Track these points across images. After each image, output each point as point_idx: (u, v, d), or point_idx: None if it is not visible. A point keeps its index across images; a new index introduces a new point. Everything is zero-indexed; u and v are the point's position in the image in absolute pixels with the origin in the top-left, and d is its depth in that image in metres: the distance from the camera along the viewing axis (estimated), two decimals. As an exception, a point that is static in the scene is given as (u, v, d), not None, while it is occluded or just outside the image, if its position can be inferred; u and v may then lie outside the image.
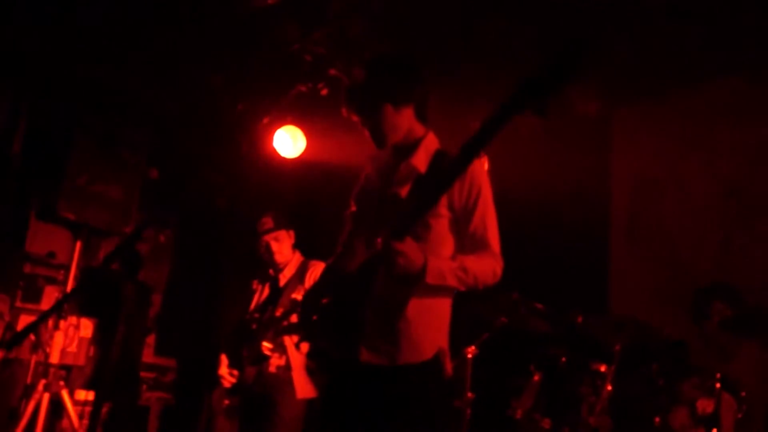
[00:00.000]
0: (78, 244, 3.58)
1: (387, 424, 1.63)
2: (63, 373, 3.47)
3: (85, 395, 3.52)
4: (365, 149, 1.87)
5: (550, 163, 3.64)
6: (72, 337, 3.65)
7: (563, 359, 2.75)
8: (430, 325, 1.72)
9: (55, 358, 3.35)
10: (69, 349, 3.61)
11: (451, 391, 2.59)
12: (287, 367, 2.84)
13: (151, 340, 4.37)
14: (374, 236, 1.63)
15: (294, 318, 2.80)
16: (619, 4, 2.96)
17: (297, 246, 3.19)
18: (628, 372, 2.63)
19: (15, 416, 3.25)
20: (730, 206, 3.43)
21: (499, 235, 1.76)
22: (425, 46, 3.27)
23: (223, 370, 2.96)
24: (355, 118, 1.81)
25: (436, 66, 3.21)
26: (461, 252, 1.74)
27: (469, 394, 2.78)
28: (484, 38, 3.28)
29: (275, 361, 2.87)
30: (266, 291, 3.16)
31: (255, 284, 3.24)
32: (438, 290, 1.72)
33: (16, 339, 3.17)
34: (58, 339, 3.39)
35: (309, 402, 2.83)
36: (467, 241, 1.73)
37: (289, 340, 2.83)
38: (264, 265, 3.16)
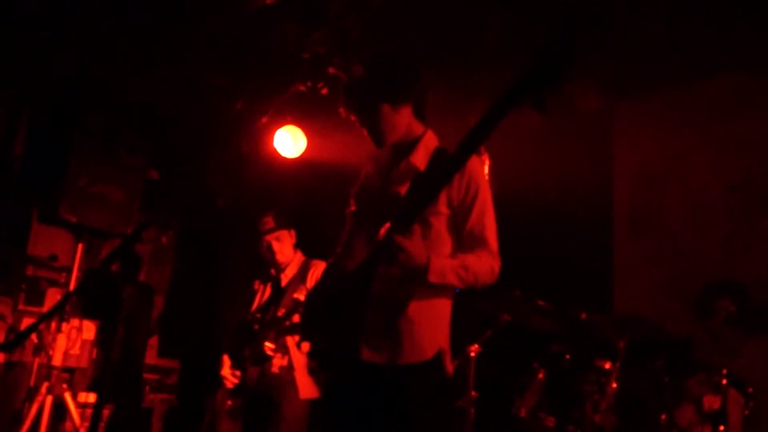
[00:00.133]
0: (80, 247, 3.57)
1: (387, 423, 1.63)
2: (66, 375, 3.47)
3: (86, 397, 3.52)
4: (366, 149, 1.86)
5: (552, 159, 3.62)
6: (75, 340, 3.65)
7: (567, 357, 2.73)
8: (431, 324, 1.71)
9: (57, 361, 3.35)
10: (72, 352, 3.61)
11: (452, 391, 2.58)
12: (290, 367, 2.83)
13: (153, 341, 4.37)
14: (375, 235, 1.62)
15: (296, 318, 2.80)
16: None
17: (298, 246, 3.18)
18: (633, 369, 2.61)
19: (18, 419, 3.25)
20: (735, 201, 3.40)
21: (497, 233, 1.75)
22: (426, 45, 3.26)
23: (226, 370, 2.95)
24: (353, 118, 1.80)
25: (437, 65, 3.20)
26: (459, 251, 1.73)
27: (473, 393, 2.76)
28: (485, 37, 3.26)
29: (278, 362, 2.86)
30: (268, 291, 3.15)
31: (257, 284, 3.23)
32: (439, 290, 1.71)
33: (15, 341, 3.17)
34: (61, 341, 3.39)
35: (312, 402, 2.82)
36: (465, 239, 1.72)
37: (292, 341, 2.82)
38: (266, 265, 3.16)
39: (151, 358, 4.33)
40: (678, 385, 2.55)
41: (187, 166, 4.04)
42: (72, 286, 3.57)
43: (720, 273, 3.12)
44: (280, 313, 2.90)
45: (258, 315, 3.07)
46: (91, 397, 3.55)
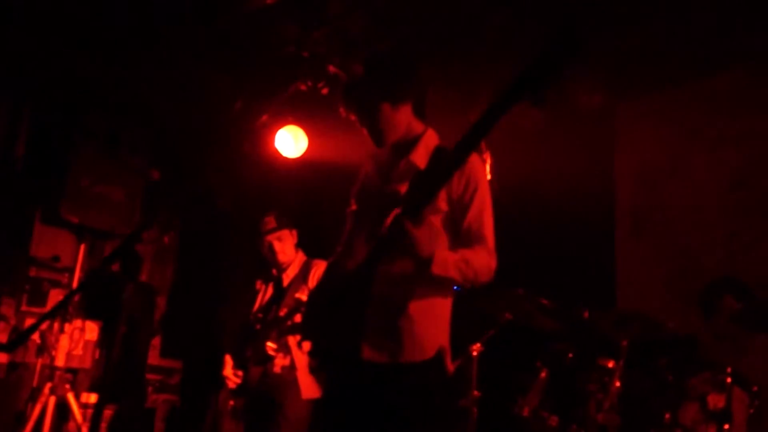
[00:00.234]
0: (82, 247, 3.58)
1: (388, 422, 1.62)
2: (69, 376, 3.48)
3: (88, 397, 3.53)
4: (367, 148, 1.86)
5: (554, 158, 3.61)
6: (77, 340, 3.66)
7: (570, 355, 2.72)
8: (431, 323, 1.70)
9: (60, 362, 3.36)
10: (74, 352, 3.62)
11: (453, 390, 2.57)
12: (292, 367, 2.83)
13: (156, 342, 4.37)
14: (375, 233, 1.62)
15: (298, 318, 2.79)
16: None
17: (300, 245, 3.18)
18: (637, 368, 2.60)
19: (21, 419, 3.26)
20: (737, 198, 3.39)
21: (494, 232, 1.74)
22: (427, 44, 3.25)
23: (228, 370, 2.95)
24: (353, 118, 1.80)
25: (438, 64, 3.19)
26: (456, 247, 1.72)
27: (475, 392, 2.75)
28: (486, 35, 3.25)
29: (280, 362, 2.86)
30: (270, 291, 3.15)
31: (258, 284, 3.23)
32: (439, 288, 1.71)
33: (17, 341, 3.18)
34: (64, 342, 3.40)
35: (314, 402, 2.82)
36: (463, 236, 1.72)
37: (293, 340, 2.82)
38: (267, 265, 3.16)
39: (153, 358, 4.33)
40: (682, 383, 2.53)
41: (188, 167, 4.04)
42: (75, 286, 3.58)
43: (724, 270, 3.10)
44: (282, 312, 2.90)
45: (260, 315, 3.07)
46: (94, 398, 3.55)
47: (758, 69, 3.34)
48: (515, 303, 2.74)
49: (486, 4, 3.13)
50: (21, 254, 3.77)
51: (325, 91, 3.58)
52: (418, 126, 1.81)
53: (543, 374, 2.72)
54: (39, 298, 3.78)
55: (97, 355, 3.81)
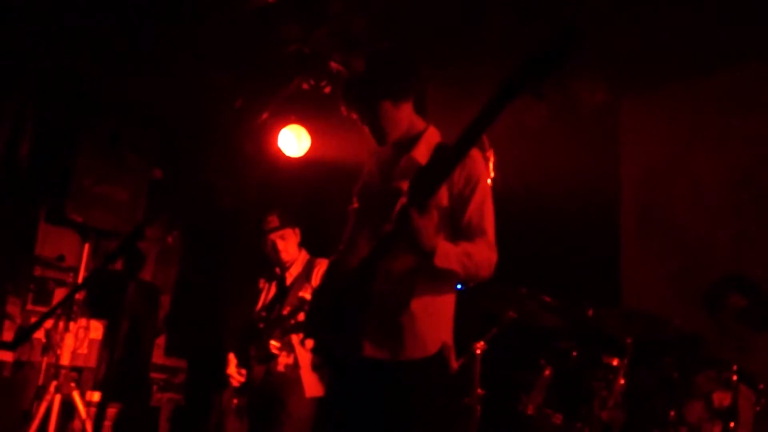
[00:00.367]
0: (86, 247, 3.59)
1: (390, 420, 1.62)
2: (74, 374, 3.49)
3: (92, 395, 3.55)
4: (369, 146, 1.86)
5: (558, 155, 3.59)
6: (82, 339, 3.67)
7: (574, 353, 2.71)
8: (433, 320, 1.70)
9: (66, 360, 3.37)
10: (80, 351, 3.64)
11: (456, 387, 2.56)
12: (295, 365, 2.83)
13: (160, 341, 4.39)
14: (377, 231, 1.61)
15: (301, 316, 2.79)
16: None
17: (303, 244, 3.18)
18: (641, 365, 2.58)
19: (27, 418, 3.28)
20: (743, 196, 3.36)
21: (494, 227, 1.73)
22: (427, 43, 3.25)
23: (232, 369, 2.96)
24: (354, 116, 1.80)
25: (439, 63, 3.18)
26: (456, 242, 1.71)
27: (479, 390, 2.74)
28: (487, 34, 3.24)
29: (283, 360, 2.86)
30: (273, 289, 3.15)
31: (262, 283, 3.23)
32: (441, 285, 1.70)
33: (21, 338, 3.19)
34: (69, 341, 3.41)
35: (317, 400, 2.82)
36: (463, 230, 1.71)
37: (297, 339, 2.82)
38: (270, 264, 3.16)
39: (158, 357, 4.35)
40: (687, 381, 2.51)
41: (190, 166, 4.05)
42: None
43: (729, 268, 3.08)
44: (285, 311, 2.90)
45: (263, 313, 3.07)
46: (99, 396, 3.57)
47: (763, 66, 3.32)
48: (519, 301, 2.72)
49: (486, 3, 3.12)
50: (26, 254, 3.79)
51: (327, 89, 3.58)
52: (419, 123, 1.81)
53: (547, 372, 2.71)
54: (44, 298, 3.80)
55: (102, 354, 3.83)
